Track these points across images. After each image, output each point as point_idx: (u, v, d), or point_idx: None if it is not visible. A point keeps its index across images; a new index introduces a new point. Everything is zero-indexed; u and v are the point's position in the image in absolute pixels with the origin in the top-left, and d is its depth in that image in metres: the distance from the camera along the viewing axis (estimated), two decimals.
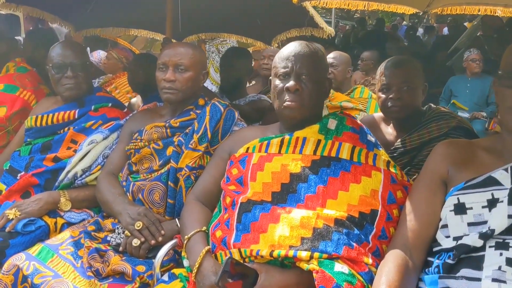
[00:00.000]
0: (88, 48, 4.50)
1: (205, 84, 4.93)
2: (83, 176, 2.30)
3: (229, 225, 1.67)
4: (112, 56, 4.98)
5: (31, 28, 4.82)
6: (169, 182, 2.04)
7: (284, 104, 1.76)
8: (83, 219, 2.25)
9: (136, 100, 3.79)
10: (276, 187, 1.70)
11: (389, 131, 2.36)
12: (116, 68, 5.00)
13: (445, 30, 12.26)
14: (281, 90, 1.77)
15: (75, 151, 2.36)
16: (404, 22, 15.30)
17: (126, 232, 1.94)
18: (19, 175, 2.36)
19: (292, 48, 1.80)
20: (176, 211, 2.04)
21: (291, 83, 1.74)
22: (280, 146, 1.79)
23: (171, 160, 2.06)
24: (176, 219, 2.00)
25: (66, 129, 2.43)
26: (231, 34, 3.80)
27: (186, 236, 1.74)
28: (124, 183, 2.17)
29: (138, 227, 1.91)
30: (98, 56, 5.31)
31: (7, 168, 2.43)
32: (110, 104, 2.54)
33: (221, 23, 3.68)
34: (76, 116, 2.46)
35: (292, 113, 1.78)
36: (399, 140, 2.21)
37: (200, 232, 1.75)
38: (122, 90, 4.90)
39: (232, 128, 2.15)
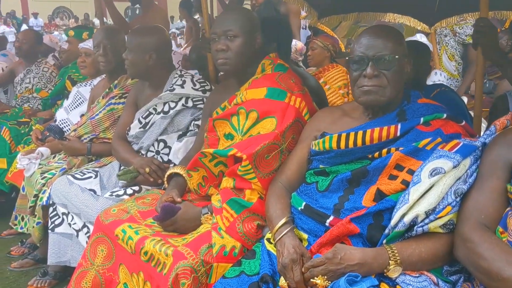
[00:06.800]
0: None
1: (436, 74, 4.02)
2: (426, 221, 1.52)
3: None
4: (317, 45, 4.26)
5: None
6: None
7: None
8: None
9: None
10: None
11: None
12: (323, 58, 4.29)
13: None
14: None
15: (403, 182, 1.62)
16: None
17: None
18: (328, 221, 1.66)
19: None
20: None
21: None
22: None
23: None
24: None
25: (385, 151, 1.69)
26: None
27: None
28: None
29: None
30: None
31: (302, 207, 1.75)
32: (444, 115, 1.74)
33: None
34: (399, 134, 1.70)
35: None
36: None
37: None
38: (333, 85, 4.16)
39: None
